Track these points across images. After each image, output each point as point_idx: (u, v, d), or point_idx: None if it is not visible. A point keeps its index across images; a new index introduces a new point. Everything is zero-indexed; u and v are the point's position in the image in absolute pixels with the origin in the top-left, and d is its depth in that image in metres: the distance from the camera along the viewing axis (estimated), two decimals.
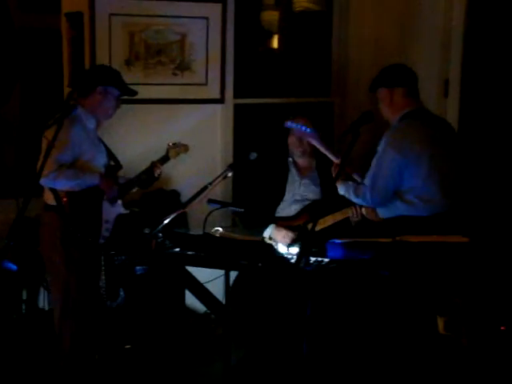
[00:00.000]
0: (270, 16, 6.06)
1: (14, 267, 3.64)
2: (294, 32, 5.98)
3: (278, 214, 4.49)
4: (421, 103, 3.95)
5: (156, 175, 4.12)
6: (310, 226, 4.09)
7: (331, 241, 3.16)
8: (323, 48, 5.59)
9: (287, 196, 4.52)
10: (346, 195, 3.91)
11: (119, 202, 4.02)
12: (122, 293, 4.40)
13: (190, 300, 4.65)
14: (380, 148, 3.77)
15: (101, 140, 4.05)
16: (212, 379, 4.17)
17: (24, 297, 4.47)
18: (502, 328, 3.83)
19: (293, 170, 4.57)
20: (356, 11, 5.36)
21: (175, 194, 4.87)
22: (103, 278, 4.29)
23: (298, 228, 4.29)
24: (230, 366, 3.79)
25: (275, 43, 6.03)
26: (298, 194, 4.52)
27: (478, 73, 4.67)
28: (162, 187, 4.87)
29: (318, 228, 4.07)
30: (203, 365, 4.36)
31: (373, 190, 3.73)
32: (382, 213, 3.87)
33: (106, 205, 3.92)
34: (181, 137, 4.82)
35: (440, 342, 3.62)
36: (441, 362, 3.62)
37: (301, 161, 4.57)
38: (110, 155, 4.06)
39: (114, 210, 3.97)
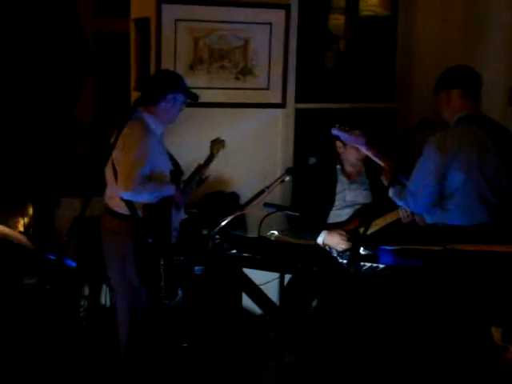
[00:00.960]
0: (337, 20, 6.10)
1: (74, 264, 3.77)
2: (360, 36, 5.99)
3: (329, 221, 4.51)
4: (477, 108, 3.82)
5: (204, 178, 4.19)
6: (361, 229, 4.17)
7: (382, 247, 3.17)
8: (388, 53, 5.58)
9: (337, 202, 4.53)
10: (394, 198, 3.86)
11: (182, 208, 4.06)
12: (180, 292, 4.49)
13: (247, 301, 4.72)
14: (422, 152, 3.71)
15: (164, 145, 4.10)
16: (265, 381, 4.22)
17: (86, 293, 4.63)
18: None
19: (341, 177, 4.58)
20: (421, 16, 5.33)
21: (234, 196, 4.95)
22: (161, 276, 4.40)
23: (350, 232, 4.30)
24: (282, 367, 3.84)
25: (341, 47, 6.06)
26: (348, 199, 4.54)
27: None
28: (222, 189, 4.96)
29: (369, 231, 4.14)
30: (256, 366, 4.41)
31: (415, 195, 3.65)
32: (427, 218, 3.78)
33: (174, 212, 3.92)
34: (242, 140, 4.96)
35: (496, 352, 3.59)
36: (496, 372, 3.59)
37: (350, 168, 4.59)
38: (172, 160, 4.08)
39: (178, 217, 4.02)
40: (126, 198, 3.69)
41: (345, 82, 5.69)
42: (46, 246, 4.27)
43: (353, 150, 4.44)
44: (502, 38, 4.87)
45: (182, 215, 4.08)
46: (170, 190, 3.84)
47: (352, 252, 3.22)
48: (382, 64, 5.63)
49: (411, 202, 3.67)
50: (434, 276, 3.08)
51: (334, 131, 4.21)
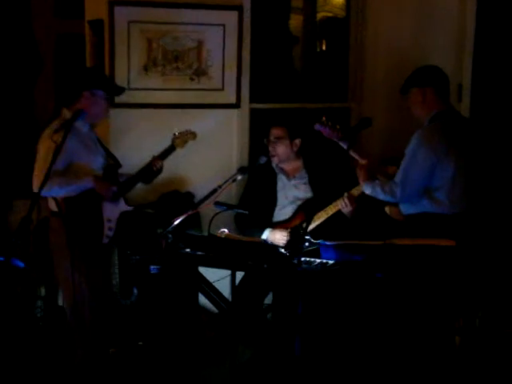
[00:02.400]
0: (295, 20, 6.19)
1: (21, 265, 3.80)
2: (314, 37, 6.08)
3: (275, 219, 4.60)
4: (450, 104, 4.08)
5: (155, 169, 4.21)
6: (304, 224, 4.26)
7: (323, 242, 3.25)
8: (341, 53, 5.67)
9: (280, 200, 4.63)
10: (373, 194, 3.98)
11: (121, 199, 4.12)
12: (135, 291, 4.54)
13: (205, 299, 4.77)
14: (409, 149, 3.87)
15: (98, 141, 4.16)
16: (220, 379, 4.27)
17: (42, 294, 4.65)
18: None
19: (280, 175, 4.68)
20: (373, 17, 5.41)
21: (190, 195, 5.00)
22: (117, 276, 4.45)
23: (294, 228, 4.38)
24: (236, 365, 3.90)
25: (298, 48, 6.15)
26: (289, 196, 4.62)
27: (488, 77, 4.72)
28: (178, 189, 5.02)
29: (313, 225, 4.24)
30: (211, 364, 4.46)
31: (403, 185, 3.82)
32: (405, 209, 3.96)
33: (107, 204, 4.02)
34: (198, 141, 4.95)
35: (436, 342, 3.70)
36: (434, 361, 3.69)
37: (284, 165, 4.68)
38: (109, 155, 4.17)
39: (116, 209, 4.07)
40: (40, 193, 3.69)
41: (301, 82, 5.78)
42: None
43: (281, 145, 4.54)
44: (450, 37, 4.99)
45: (123, 206, 4.12)
46: (86, 182, 3.92)
47: (293, 247, 3.28)
48: (336, 64, 5.72)
49: (398, 192, 3.82)
50: (376, 269, 3.16)
51: (317, 126, 4.29)
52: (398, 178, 3.85)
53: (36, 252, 4.57)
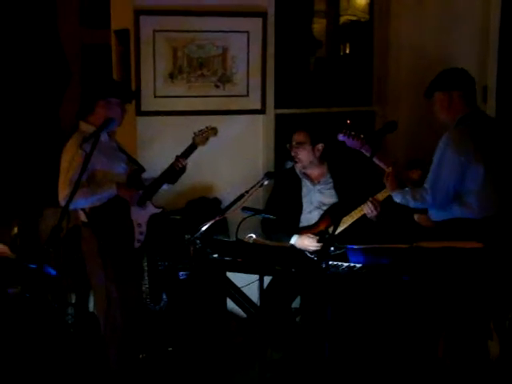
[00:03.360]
0: (319, 24, 6.20)
1: (54, 272, 3.87)
2: (338, 40, 6.09)
3: (301, 225, 4.62)
4: (477, 106, 4.03)
5: (177, 168, 4.24)
6: (330, 229, 4.28)
7: (350, 246, 3.26)
8: (365, 56, 5.68)
9: (305, 205, 4.65)
10: (403, 201, 3.93)
11: (149, 203, 4.17)
12: (164, 297, 4.59)
13: (232, 304, 4.80)
14: (438, 153, 3.83)
15: (119, 148, 4.22)
16: (250, 383, 4.30)
17: (73, 301, 4.72)
18: None
19: (305, 180, 4.69)
20: (395, 18, 5.43)
21: (217, 201, 5.04)
22: (146, 282, 4.50)
23: (320, 234, 4.40)
24: (266, 368, 3.93)
25: (323, 52, 6.16)
26: (314, 201, 4.64)
27: None
28: (205, 195, 5.06)
29: (338, 229, 4.24)
30: (241, 368, 4.49)
31: (434, 191, 3.77)
32: (436, 215, 3.92)
33: (135, 209, 4.08)
34: (224, 147, 5.05)
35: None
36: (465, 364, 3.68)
37: (308, 171, 4.69)
38: (131, 160, 4.22)
39: (144, 213, 4.13)
40: (63, 205, 3.78)
41: (326, 86, 5.79)
42: (30, 255, 4.38)
43: (303, 150, 4.56)
44: (474, 38, 4.97)
45: (151, 209, 4.17)
46: (110, 190, 3.97)
47: (321, 251, 3.30)
48: (360, 68, 5.73)
49: (429, 198, 3.77)
50: (403, 273, 3.17)
51: (340, 137, 4.30)
52: (427, 183, 3.81)
53: (66, 260, 4.63)
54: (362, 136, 4.15)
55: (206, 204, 5.02)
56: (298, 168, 4.66)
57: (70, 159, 3.87)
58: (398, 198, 3.95)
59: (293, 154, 4.63)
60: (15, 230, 4.88)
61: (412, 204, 3.88)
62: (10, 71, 6.39)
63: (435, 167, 3.79)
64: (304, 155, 4.62)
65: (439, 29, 5.19)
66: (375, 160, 4.00)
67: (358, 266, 3.68)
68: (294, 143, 4.65)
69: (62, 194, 3.84)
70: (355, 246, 3.19)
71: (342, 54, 6.55)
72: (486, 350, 3.66)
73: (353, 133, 4.19)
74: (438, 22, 5.19)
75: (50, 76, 6.48)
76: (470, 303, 3.52)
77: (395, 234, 4.01)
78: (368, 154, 4.10)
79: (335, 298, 3.64)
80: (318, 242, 4.37)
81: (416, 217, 3.98)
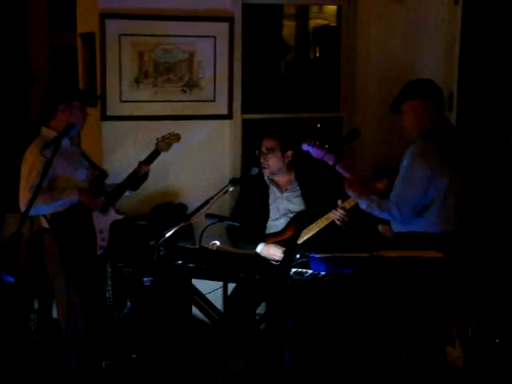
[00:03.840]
0: (288, 27, 6.21)
1: (11, 279, 3.83)
2: (307, 44, 6.11)
3: (267, 232, 4.61)
4: (445, 117, 3.99)
5: (140, 175, 4.22)
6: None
7: (312, 255, 3.26)
8: (334, 61, 5.69)
9: (272, 212, 4.64)
10: (368, 210, 3.89)
11: (111, 209, 4.14)
12: (128, 303, 4.55)
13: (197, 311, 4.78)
14: (403, 166, 3.78)
15: (81, 153, 4.18)
16: None
17: (35, 307, 4.66)
18: (497, 340, 3.90)
19: (272, 187, 4.69)
20: (363, 26, 5.42)
21: (183, 207, 5.01)
22: (110, 288, 4.46)
23: (285, 241, 4.40)
24: (229, 377, 3.92)
25: (291, 56, 6.16)
26: (282, 208, 4.63)
27: (475, 85, 4.75)
28: (171, 201, 5.03)
29: (304, 237, 4.25)
30: (204, 376, 4.47)
31: (400, 206, 3.71)
32: (396, 227, 3.87)
33: (97, 215, 4.04)
34: (191, 152, 5.03)
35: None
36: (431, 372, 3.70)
37: (276, 177, 4.68)
38: (93, 166, 4.19)
39: (107, 219, 4.10)
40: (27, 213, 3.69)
41: (294, 91, 5.80)
42: None
43: (273, 157, 4.56)
44: (441, 46, 5.02)
45: (113, 216, 4.14)
46: (71, 196, 3.94)
47: (283, 259, 3.28)
48: (328, 73, 5.74)
49: (396, 212, 3.72)
50: (365, 281, 3.17)
51: (305, 146, 4.27)
52: (393, 197, 3.76)
53: (28, 265, 4.58)
54: (326, 146, 4.13)
55: (171, 209, 4.98)
56: (267, 174, 4.65)
57: (30, 165, 3.83)
58: (363, 205, 3.91)
59: (262, 160, 4.62)
60: None
61: (377, 213, 3.84)
62: None
63: (401, 181, 3.74)
64: (273, 162, 4.61)
65: (406, 36, 5.23)
66: (338, 169, 3.98)
67: (323, 273, 3.69)
68: (263, 149, 4.63)
69: (23, 200, 3.81)
70: (316, 255, 3.18)
71: (312, 57, 6.57)
72: (444, 357, 3.67)
73: (317, 143, 4.17)
74: (405, 29, 5.23)
75: (14, 79, 6.43)
76: (430, 311, 3.53)
77: (357, 243, 4.01)
78: (331, 163, 4.08)
79: (298, 305, 3.64)
80: (284, 250, 4.37)
81: (380, 228, 3.96)
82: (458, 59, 4.82)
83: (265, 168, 4.61)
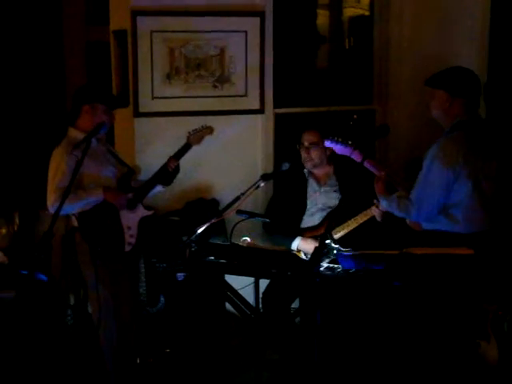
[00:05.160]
0: (322, 17, 6.15)
1: (44, 278, 3.89)
2: (342, 35, 6.04)
3: (303, 226, 4.59)
4: (477, 113, 3.84)
5: (170, 170, 4.20)
6: (334, 232, 4.25)
7: (341, 253, 3.25)
8: (366, 54, 5.63)
9: (309, 206, 4.62)
10: (389, 209, 3.85)
11: (139, 205, 4.13)
12: (162, 299, 4.59)
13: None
14: (426, 163, 3.68)
15: (109, 150, 4.20)
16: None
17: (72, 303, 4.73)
18: None
19: (311, 181, 4.66)
20: (396, 15, 5.37)
21: (215, 203, 5.03)
22: (144, 284, 4.50)
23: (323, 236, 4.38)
24: (262, 371, 3.93)
25: (324, 47, 6.11)
26: (319, 203, 4.61)
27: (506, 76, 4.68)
28: (203, 197, 5.05)
29: (342, 233, 4.22)
30: (240, 370, 4.49)
31: (419, 205, 3.64)
32: (424, 224, 3.79)
33: (125, 212, 4.06)
34: (222, 147, 5.03)
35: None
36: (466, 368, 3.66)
37: (316, 171, 4.66)
38: (121, 163, 4.20)
39: (134, 215, 4.10)
40: (52, 212, 3.76)
41: (326, 84, 5.75)
42: (23, 260, 4.39)
43: (316, 150, 4.53)
44: (474, 35, 4.95)
45: (142, 212, 4.14)
46: (96, 195, 3.96)
47: (313, 255, 3.26)
48: (360, 65, 5.69)
49: (414, 212, 3.66)
50: (394, 278, 3.14)
51: (327, 143, 4.24)
52: (413, 195, 3.68)
53: (64, 262, 4.64)
54: (349, 142, 4.08)
55: (203, 205, 5.00)
56: (309, 167, 4.63)
57: (56, 166, 3.88)
58: (384, 204, 3.87)
59: (304, 154, 4.60)
60: (16, 221, 4.88)
61: (397, 213, 3.78)
62: (13, 69, 6.45)
63: (421, 180, 3.65)
64: (316, 155, 4.58)
65: (439, 26, 5.16)
66: (366, 165, 3.93)
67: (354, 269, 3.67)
68: (305, 143, 4.61)
69: (50, 200, 3.86)
70: (345, 253, 3.17)
71: (346, 47, 6.50)
72: (479, 353, 3.63)
73: (340, 139, 4.13)
74: (439, 19, 5.16)
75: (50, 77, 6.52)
76: (462, 307, 3.49)
77: (386, 240, 3.98)
78: (358, 160, 4.03)
79: (329, 300, 3.63)
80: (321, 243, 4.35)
81: (408, 221, 3.91)
82: (487, 50, 4.73)
83: (307, 161, 4.58)
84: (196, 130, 4.34)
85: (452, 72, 3.84)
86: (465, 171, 3.60)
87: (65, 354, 4.54)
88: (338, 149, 4.12)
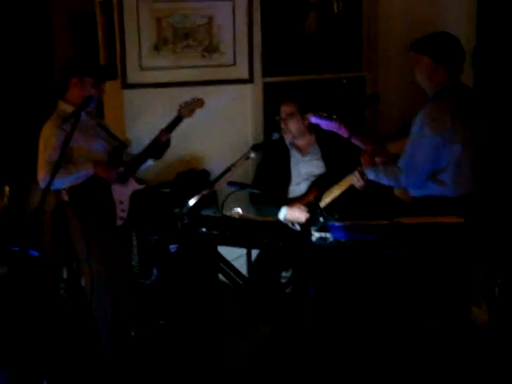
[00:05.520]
0: None
1: (36, 254, 3.89)
2: (326, 7, 5.97)
3: (289, 196, 4.60)
4: (459, 79, 3.84)
5: (161, 143, 4.15)
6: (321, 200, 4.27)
7: (332, 223, 3.26)
8: (354, 23, 5.58)
9: (294, 176, 4.64)
10: (376, 179, 3.86)
11: (131, 179, 4.09)
12: (155, 271, 4.60)
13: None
14: (414, 130, 3.69)
15: (99, 124, 4.15)
16: (239, 354, 4.32)
17: (64, 276, 4.74)
18: None
19: (293, 151, 4.67)
20: None
21: (205, 173, 5.02)
22: (136, 257, 4.51)
23: (309, 205, 4.39)
24: (255, 340, 3.95)
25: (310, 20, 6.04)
26: (303, 172, 4.62)
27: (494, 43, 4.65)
28: (194, 168, 5.04)
29: (327, 200, 4.23)
30: (231, 340, 4.53)
31: (408, 171, 3.66)
32: (413, 192, 3.82)
33: (116, 186, 4.02)
34: (212, 118, 5.00)
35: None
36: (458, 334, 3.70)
37: (297, 141, 4.67)
38: (112, 137, 4.16)
39: (126, 189, 4.06)
40: (43, 186, 3.74)
41: (315, 52, 5.71)
42: (14, 235, 4.38)
43: (293, 121, 4.52)
44: (463, 3, 4.90)
45: (133, 186, 4.10)
46: (87, 169, 3.93)
47: (305, 223, 3.27)
48: (349, 32, 5.64)
49: (403, 179, 3.67)
50: (386, 248, 3.16)
51: (312, 119, 4.23)
52: (401, 162, 3.69)
53: (55, 236, 4.64)
54: (334, 116, 4.06)
55: (194, 176, 5.00)
56: (289, 139, 4.63)
57: (46, 140, 3.85)
58: (371, 175, 3.88)
59: (282, 125, 4.60)
60: (7, 194, 4.85)
61: (386, 182, 3.80)
62: None
63: (410, 146, 3.66)
64: (294, 126, 4.60)
65: None
66: (353, 140, 3.93)
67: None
68: (282, 115, 4.61)
69: (40, 175, 3.83)
70: (336, 223, 3.18)
71: (335, 12, 6.42)
72: (470, 319, 3.67)
73: (324, 114, 4.11)
74: None
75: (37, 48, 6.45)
76: (452, 274, 3.52)
77: (376, 210, 3.99)
78: (345, 135, 4.02)
79: (321, 270, 3.65)
80: (308, 212, 4.37)
81: (397, 192, 3.92)
82: (476, 14, 4.71)
83: (286, 133, 4.59)
84: (187, 102, 4.29)
85: (437, 38, 3.84)
86: (453, 136, 3.61)
87: (59, 328, 4.56)
88: (324, 124, 4.10)
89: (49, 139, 3.82)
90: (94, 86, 4.00)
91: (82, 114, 3.84)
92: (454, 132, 3.61)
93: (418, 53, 3.81)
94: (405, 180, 3.67)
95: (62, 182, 3.86)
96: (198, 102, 4.31)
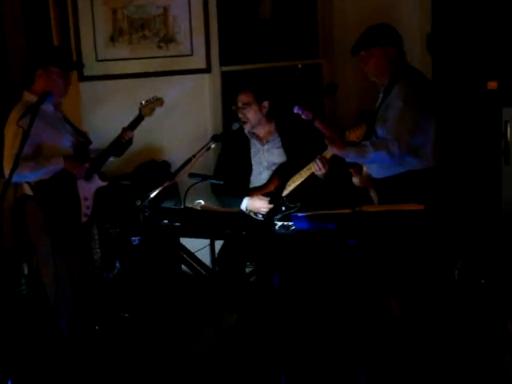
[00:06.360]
0: None
1: None
2: None
3: (252, 186, 4.61)
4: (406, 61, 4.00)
5: (124, 141, 4.16)
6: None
7: (295, 214, 3.28)
8: (309, 10, 5.59)
9: (255, 166, 4.65)
10: (358, 157, 3.83)
11: (95, 176, 4.09)
12: (117, 264, 4.57)
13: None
14: (398, 103, 3.76)
15: (65, 119, 4.12)
16: (205, 345, 4.34)
17: (25, 272, 4.68)
18: (482, 281, 3.98)
19: (253, 140, 4.68)
20: None
21: (166, 165, 5.00)
22: (98, 250, 4.47)
23: (270, 194, 4.41)
24: (221, 331, 3.97)
25: (265, 7, 6.03)
26: (264, 161, 4.63)
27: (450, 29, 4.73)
28: (154, 158, 5.01)
29: (288, 189, 4.26)
30: (196, 331, 4.54)
31: (401, 140, 3.68)
32: (378, 173, 3.89)
33: (82, 183, 4.00)
34: (171, 108, 4.96)
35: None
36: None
37: (256, 130, 4.68)
38: (77, 132, 4.13)
39: (91, 186, 4.05)
40: (11, 180, 3.63)
41: (272, 40, 5.71)
42: None
43: (250, 110, 4.53)
44: None
45: (96, 182, 4.10)
46: (57, 163, 3.89)
47: (269, 213, 3.30)
48: (304, 21, 5.65)
49: (396, 148, 3.68)
50: (348, 236, 3.19)
51: (296, 109, 4.21)
52: (390, 135, 3.71)
53: (15, 231, 4.57)
54: (302, 102, 4.08)
55: (155, 167, 4.97)
56: (247, 128, 4.63)
57: (13, 132, 3.75)
58: (351, 154, 3.83)
59: (240, 115, 4.60)
60: None
61: (371, 156, 3.74)
62: None
63: (398, 120, 3.71)
64: (252, 115, 4.60)
65: None
66: (316, 124, 3.95)
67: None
68: (239, 104, 4.61)
69: (7, 168, 3.76)
70: (299, 214, 3.20)
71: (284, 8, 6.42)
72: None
73: (303, 102, 4.13)
74: None
75: None
76: (414, 261, 3.59)
77: (338, 199, 4.03)
78: (309, 118, 4.04)
79: (284, 260, 3.67)
80: (270, 202, 4.39)
81: (355, 180, 3.96)
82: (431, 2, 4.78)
83: (245, 122, 4.59)
84: (148, 101, 4.29)
85: (371, 30, 3.98)
86: (429, 111, 3.78)
87: (21, 324, 4.51)
88: (306, 114, 4.07)
89: (16, 132, 3.70)
90: (60, 75, 3.95)
91: (50, 106, 3.84)
92: (430, 106, 3.78)
93: (365, 49, 3.94)
94: (398, 150, 3.67)
95: (32, 175, 3.83)
96: (158, 101, 4.34)
